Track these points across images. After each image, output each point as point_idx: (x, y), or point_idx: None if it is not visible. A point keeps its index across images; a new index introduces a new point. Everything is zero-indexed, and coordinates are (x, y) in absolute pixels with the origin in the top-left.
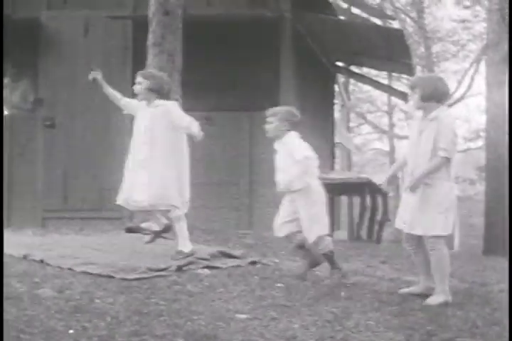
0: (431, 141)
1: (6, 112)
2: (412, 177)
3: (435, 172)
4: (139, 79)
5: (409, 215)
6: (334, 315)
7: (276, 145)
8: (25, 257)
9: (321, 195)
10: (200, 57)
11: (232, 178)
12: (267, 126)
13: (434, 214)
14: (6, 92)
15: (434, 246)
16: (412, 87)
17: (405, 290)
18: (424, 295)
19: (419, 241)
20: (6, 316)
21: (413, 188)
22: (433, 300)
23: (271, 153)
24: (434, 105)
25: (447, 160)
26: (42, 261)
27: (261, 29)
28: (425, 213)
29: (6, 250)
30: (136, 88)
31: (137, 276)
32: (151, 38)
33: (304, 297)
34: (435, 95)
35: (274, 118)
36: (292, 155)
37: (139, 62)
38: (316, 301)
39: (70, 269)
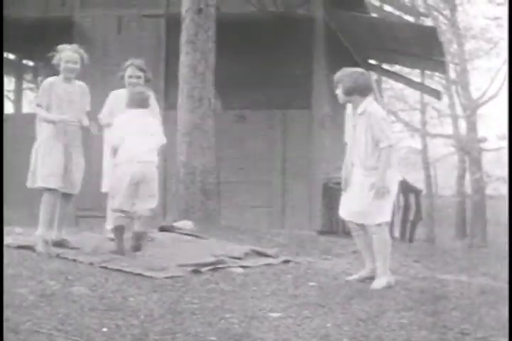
0: (363, 135)
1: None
2: (378, 182)
3: (388, 162)
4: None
5: (354, 206)
6: (367, 313)
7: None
8: (58, 255)
9: None
10: (233, 56)
11: (265, 177)
12: None
13: (374, 203)
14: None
15: (377, 231)
16: (336, 82)
17: (354, 276)
18: (372, 278)
19: (363, 227)
20: (39, 313)
21: (381, 189)
22: (378, 284)
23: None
24: (358, 98)
25: (391, 148)
26: (75, 260)
27: (294, 28)
28: (366, 203)
29: (39, 248)
30: None
31: (167, 275)
32: (183, 36)
33: (337, 296)
34: (357, 89)
35: None
36: None
37: (172, 61)
38: (349, 300)
39: (103, 267)
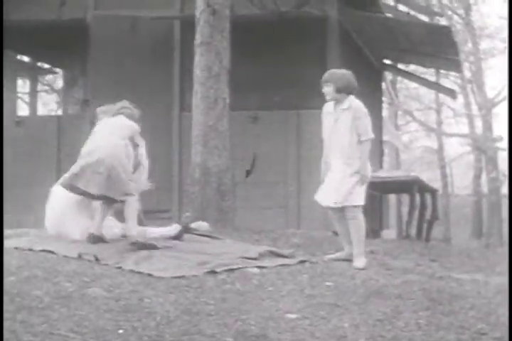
0: (347, 128)
1: (59, 113)
2: (361, 170)
3: (367, 155)
4: None
5: (336, 192)
6: (384, 313)
7: None
8: (79, 256)
9: None
10: (247, 57)
11: (280, 177)
12: None
13: (354, 188)
14: (59, 96)
15: (355, 214)
16: (325, 81)
17: (331, 256)
18: (349, 260)
19: (342, 213)
20: (54, 315)
21: (364, 177)
22: (359, 263)
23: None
24: (345, 96)
25: (370, 141)
26: (97, 259)
27: (308, 28)
28: (347, 187)
29: (58, 250)
30: None
31: (178, 274)
32: (198, 38)
33: (354, 296)
34: (348, 88)
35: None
36: None
37: (186, 62)
38: (365, 300)
39: (118, 268)
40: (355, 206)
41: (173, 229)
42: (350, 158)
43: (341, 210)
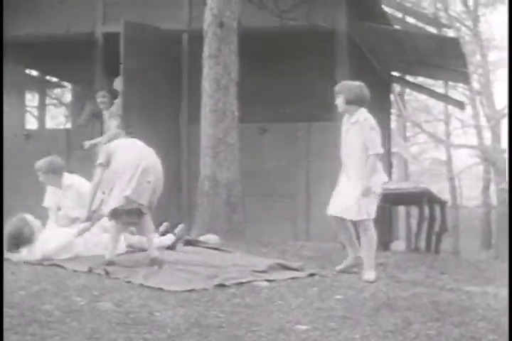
0: (355, 142)
1: (68, 126)
2: (364, 184)
3: (373, 169)
4: None
5: (345, 204)
6: (394, 325)
7: None
8: (90, 270)
9: None
10: (255, 69)
11: (289, 190)
12: None
13: (360, 201)
14: (67, 110)
15: (367, 227)
16: (337, 93)
17: (340, 267)
18: (356, 265)
19: (344, 223)
20: (65, 329)
21: (367, 190)
22: (370, 276)
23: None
24: (355, 108)
25: (378, 156)
26: (107, 273)
27: (316, 40)
28: (353, 201)
29: (68, 265)
30: None
31: (187, 288)
32: (206, 50)
33: (364, 308)
34: (357, 100)
35: None
36: None
37: (194, 75)
38: (375, 312)
39: (128, 282)
40: (364, 220)
41: (168, 239)
42: (359, 171)
43: (345, 222)
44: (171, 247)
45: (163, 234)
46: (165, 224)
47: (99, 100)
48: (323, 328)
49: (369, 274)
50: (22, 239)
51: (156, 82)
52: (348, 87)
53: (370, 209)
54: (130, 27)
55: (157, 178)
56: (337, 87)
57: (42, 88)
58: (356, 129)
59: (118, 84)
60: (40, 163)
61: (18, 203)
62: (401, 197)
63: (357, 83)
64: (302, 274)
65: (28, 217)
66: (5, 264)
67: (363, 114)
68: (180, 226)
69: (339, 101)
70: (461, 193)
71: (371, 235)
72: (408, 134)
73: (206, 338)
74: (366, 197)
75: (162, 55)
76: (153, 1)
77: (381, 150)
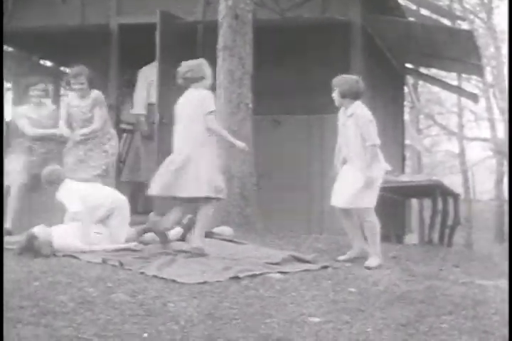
0: (353, 134)
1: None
2: (365, 174)
3: (374, 160)
4: None
5: (347, 194)
6: (407, 318)
7: None
8: (104, 261)
9: None
10: (269, 61)
11: (303, 182)
12: None
13: (361, 190)
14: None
15: (368, 216)
16: (334, 86)
17: (343, 257)
18: (361, 258)
19: (349, 213)
20: (79, 319)
21: (369, 179)
22: (371, 262)
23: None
24: (350, 101)
25: (375, 146)
26: (121, 264)
27: (330, 32)
28: (354, 190)
29: (83, 256)
30: None
31: (201, 280)
32: (220, 42)
33: (377, 301)
34: (352, 93)
35: None
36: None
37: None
38: (389, 305)
39: (142, 273)
40: (366, 208)
41: (177, 233)
42: (359, 162)
43: (348, 212)
44: (181, 239)
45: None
46: (189, 216)
47: (38, 93)
48: (336, 321)
49: (371, 261)
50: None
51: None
52: (343, 80)
53: (371, 197)
54: (165, 17)
55: None
56: (333, 81)
57: (56, 79)
58: (353, 122)
59: (144, 73)
60: (42, 174)
61: (35, 201)
62: (414, 190)
63: (352, 77)
64: (315, 266)
65: (40, 232)
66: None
67: (359, 106)
68: (188, 217)
69: (335, 95)
70: (474, 186)
71: (373, 223)
72: (421, 126)
73: (219, 330)
74: (367, 186)
75: (180, 45)
76: None
77: (378, 141)
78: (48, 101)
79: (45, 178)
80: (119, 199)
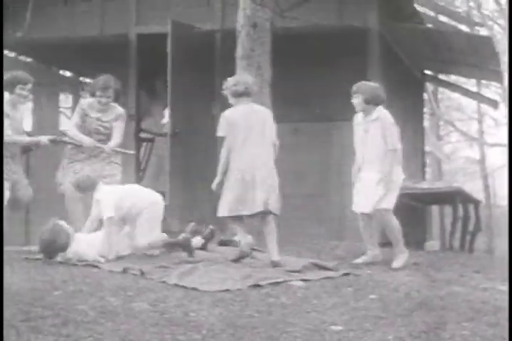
0: (378, 138)
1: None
2: (385, 177)
3: (393, 161)
4: None
5: (366, 200)
6: (429, 325)
7: None
8: (125, 271)
9: None
10: (288, 69)
11: (323, 190)
12: None
13: (382, 193)
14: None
15: (387, 217)
16: (354, 93)
17: (358, 260)
18: (375, 263)
19: (369, 219)
20: (100, 329)
21: (389, 182)
22: (397, 263)
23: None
24: (373, 107)
25: (396, 150)
26: (142, 273)
27: (349, 40)
28: (376, 194)
29: (104, 266)
30: None
31: (222, 288)
32: (239, 51)
33: (399, 308)
34: (376, 99)
35: None
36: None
37: (227, 76)
38: (410, 312)
39: (163, 282)
40: (385, 209)
41: (198, 242)
42: (381, 166)
43: (369, 217)
44: (202, 249)
45: (194, 233)
46: (211, 227)
47: (24, 93)
48: (357, 329)
49: (396, 261)
50: (57, 246)
51: (189, 83)
52: (366, 86)
53: (391, 199)
54: (177, 27)
55: None
56: (355, 87)
57: (75, 89)
58: (377, 126)
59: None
60: (72, 182)
61: (51, 205)
62: (435, 197)
63: (373, 83)
64: (336, 274)
65: (62, 223)
66: (39, 264)
67: (381, 110)
68: (210, 227)
69: (358, 101)
70: (495, 192)
71: (393, 223)
72: (441, 133)
73: (241, 339)
74: (388, 189)
75: (198, 54)
76: (186, 1)
77: (399, 146)
78: (27, 106)
79: (79, 185)
80: (151, 200)
